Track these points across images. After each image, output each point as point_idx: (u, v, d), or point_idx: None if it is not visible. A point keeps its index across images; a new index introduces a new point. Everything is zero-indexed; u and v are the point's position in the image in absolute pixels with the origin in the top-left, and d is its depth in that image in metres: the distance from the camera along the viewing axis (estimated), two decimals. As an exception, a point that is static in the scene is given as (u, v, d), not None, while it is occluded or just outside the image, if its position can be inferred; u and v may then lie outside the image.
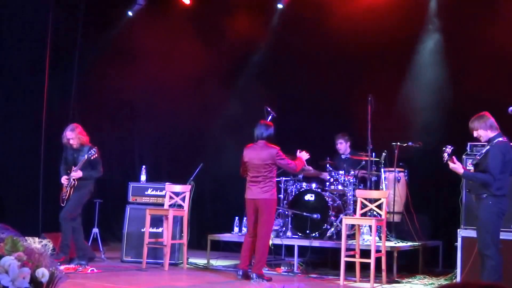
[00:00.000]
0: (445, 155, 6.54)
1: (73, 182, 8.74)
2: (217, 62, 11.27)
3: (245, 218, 8.83)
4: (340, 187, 9.26)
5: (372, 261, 7.72)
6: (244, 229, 9.01)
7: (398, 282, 8.14)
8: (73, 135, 8.80)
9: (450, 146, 6.58)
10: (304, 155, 8.26)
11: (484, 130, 6.62)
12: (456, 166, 6.63)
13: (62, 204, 8.81)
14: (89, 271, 8.30)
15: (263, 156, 8.04)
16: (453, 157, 6.60)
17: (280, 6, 11.00)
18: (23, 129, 11.11)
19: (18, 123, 11.05)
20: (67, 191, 8.77)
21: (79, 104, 11.70)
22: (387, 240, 8.29)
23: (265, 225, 8.04)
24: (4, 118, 10.78)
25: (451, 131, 8.97)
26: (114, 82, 11.62)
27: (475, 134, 6.70)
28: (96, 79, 11.80)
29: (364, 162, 9.29)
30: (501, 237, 6.67)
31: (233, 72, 11.16)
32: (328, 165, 9.42)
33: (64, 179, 8.80)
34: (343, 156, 9.71)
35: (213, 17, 11.32)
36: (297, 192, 9.22)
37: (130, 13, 11.88)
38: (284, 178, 9.55)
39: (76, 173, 8.71)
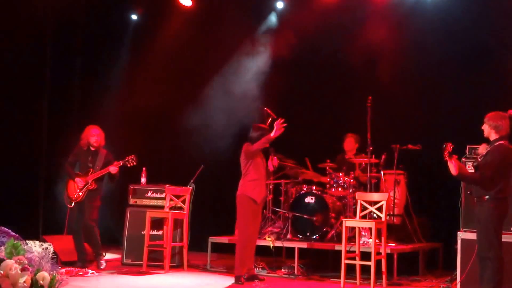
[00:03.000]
0: (446, 153, 6.50)
1: (90, 183, 8.78)
2: (218, 65, 11.28)
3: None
4: (340, 189, 9.28)
5: (372, 263, 7.73)
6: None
7: (399, 285, 8.14)
8: (97, 133, 8.89)
9: (450, 144, 6.54)
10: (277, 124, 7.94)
11: (489, 128, 6.64)
12: (452, 165, 6.60)
13: (69, 206, 8.84)
14: (89, 274, 8.31)
15: (240, 158, 8.10)
16: (454, 155, 6.58)
17: (280, 5, 11.02)
18: (23, 133, 11.11)
19: (19, 126, 11.04)
20: (80, 193, 8.77)
21: (79, 106, 11.72)
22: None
23: (238, 223, 8.04)
24: (5, 121, 10.77)
25: (451, 134, 8.97)
26: (116, 86, 11.66)
27: (483, 125, 6.71)
28: (97, 82, 11.82)
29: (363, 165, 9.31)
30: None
31: (234, 74, 11.16)
32: (328, 168, 9.43)
33: (79, 182, 8.81)
34: (346, 156, 9.73)
35: (214, 19, 11.33)
36: (297, 195, 9.22)
37: (134, 17, 11.94)
38: (284, 181, 9.57)
39: (115, 168, 8.77)
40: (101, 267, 8.72)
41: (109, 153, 9.00)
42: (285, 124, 7.84)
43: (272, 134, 7.83)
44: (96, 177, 8.78)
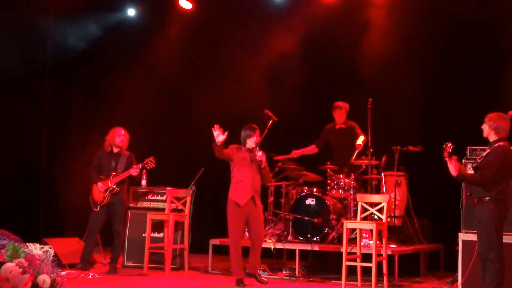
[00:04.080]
0: (446, 153, 6.47)
1: (113, 187, 8.79)
2: (218, 66, 11.30)
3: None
4: (341, 191, 9.27)
5: (373, 265, 7.72)
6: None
7: (400, 286, 8.14)
8: (123, 133, 8.93)
9: (450, 144, 6.51)
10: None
11: (489, 129, 6.62)
12: (452, 166, 6.58)
13: (94, 209, 8.87)
14: (90, 276, 8.31)
15: None
16: (454, 156, 6.56)
17: None
18: (24, 135, 11.11)
19: (19, 128, 11.04)
20: (104, 196, 8.79)
21: (81, 110, 11.74)
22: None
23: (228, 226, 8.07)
24: (5, 123, 10.77)
25: (451, 135, 8.97)
26: (116, 88, 11.66)
27: (483, 125, 6.70)
28: (98, 86, 11.84)
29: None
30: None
31: (234, 76, 11.16)
32: (328, 170, 9.42)
33: (101, 186, 8.82)
34: (337, 127, 9.68)
35: (213, 21, 11.35)
36: (298, 197, 9.22)
37: (132, 12, 11.94)
38: (285, 183, 9.56)
39: (136, 170, 8.79)
40: (112, 272, 8.69)
41: (132, 155, 9.00)
42: (220, 130, 7.71)
43: (217, 141, 7.74)
44: (117, 180, 8.79)
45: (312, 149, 9.83)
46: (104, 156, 8.98)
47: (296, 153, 9.73)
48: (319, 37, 10.66)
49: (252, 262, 8.05)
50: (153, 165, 8.90)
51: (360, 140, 9.19)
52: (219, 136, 7.70)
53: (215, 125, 7.73)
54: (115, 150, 8.95)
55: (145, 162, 8.85)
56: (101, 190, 8.82)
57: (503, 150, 6.53)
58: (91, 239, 8.88)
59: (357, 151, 9.18)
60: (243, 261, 8.05)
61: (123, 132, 8.97)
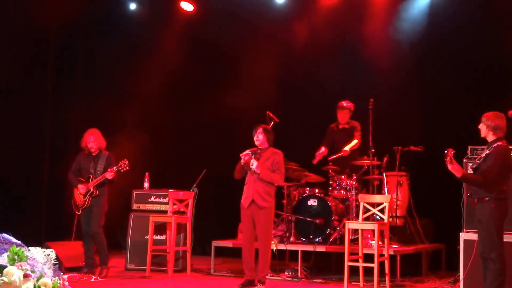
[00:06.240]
0: (448, 158, 6.50)
1: (92, 191, 8.74)
2: (219, 68, 11.31)
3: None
4: (342, 191, 9.28)
5: (375, 265, 7.73)
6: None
7: (402, 286, 8.15)
8: (92, 139, 8.81)
9: (451, 150, 6.54)
10: None
11: (487, 129, 6.63)
12: (455, 168, 6.59)
13: (77, 212, 8.83)
14: (93, 279, 8.33)
15: None
16: (454, 160, 6.58)
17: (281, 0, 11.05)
18: (26, 137, 11.12)
19: (21, 130, 11.05)
20: (85, 200, 8.75)
21: (82, 111, 11.75)
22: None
23: None
24: (7, 125, 10.78)
25: (452, 135, 9.00)
26: (116, 88, 11.68)
27: (480, 125, 6.70)
28: (99, 87, 11.86)
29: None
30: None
31: (234, 77, 11.18)
32: (330, 171, 9.42)
33: (81, 188, 8.78)
34: (340, 126, 9.66)
35: (214, 23, 11.37)
36: (300, 197, 9.23)
37: (133, 6, 11.94)
38: (287, 184, 9.56)
39: (110, 173, 8.62)
40: (101, 276, 8.63)
41: (111, 156, 8.89)
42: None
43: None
44: (95, 184, 8.73)
45: (325, 151, 9.69)
46: (83, 159, 8.91)
47: (320, 159, 9.60)
48: (320, 37, 10.67)
49: (257, 266, 8.01)
50: (127, 168, 8.69)
51: (349, 146, 9.22)
52: (253, 163, 7.85)
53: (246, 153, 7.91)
54: (93, 152, 8.89)
55: (119, 165, 8.68)
56: (81, 193, 8.75)
57: (502, 151, 6.53)
58: (88, 243, 8.84)
59: (341, 154, 9.25)
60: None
61: (91, 137, 8.80)
